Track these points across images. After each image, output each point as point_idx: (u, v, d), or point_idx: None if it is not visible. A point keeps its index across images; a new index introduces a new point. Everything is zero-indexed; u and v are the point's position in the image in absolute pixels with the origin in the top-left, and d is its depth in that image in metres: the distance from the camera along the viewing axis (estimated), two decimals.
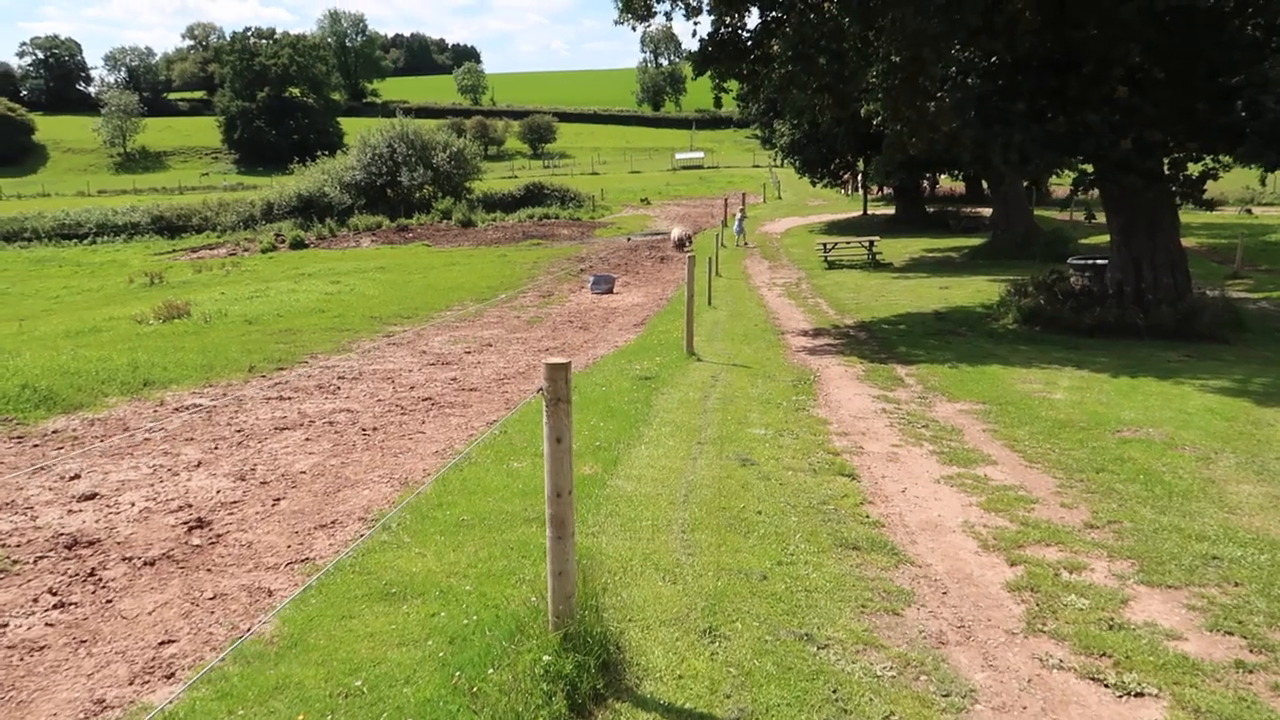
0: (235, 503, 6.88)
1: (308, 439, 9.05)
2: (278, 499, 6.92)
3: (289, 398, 11.54)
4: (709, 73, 16.88)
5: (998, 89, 14.71)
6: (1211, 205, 15.35)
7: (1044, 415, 9.06)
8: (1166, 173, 14.41)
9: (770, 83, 16.02)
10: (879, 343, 15.31)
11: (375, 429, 9.53)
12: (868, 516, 6.01)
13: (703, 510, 5.92)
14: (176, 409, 10.66)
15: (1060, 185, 52.36)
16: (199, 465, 7.99)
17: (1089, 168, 16.22)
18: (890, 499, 6.45)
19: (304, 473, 7.70)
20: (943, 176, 49.32)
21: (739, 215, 36.97)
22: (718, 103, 16.92)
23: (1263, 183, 43.12)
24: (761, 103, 32.67)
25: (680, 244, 34.08)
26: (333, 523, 6.28)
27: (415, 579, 4.83)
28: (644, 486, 6.44)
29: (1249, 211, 42.13)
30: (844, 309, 19.89)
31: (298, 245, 44.96)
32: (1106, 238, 33.89)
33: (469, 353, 16.31)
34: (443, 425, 9.69)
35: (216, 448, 8.68)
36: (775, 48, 14.55)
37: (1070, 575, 5.06)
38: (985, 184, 36.53)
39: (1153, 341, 15.21)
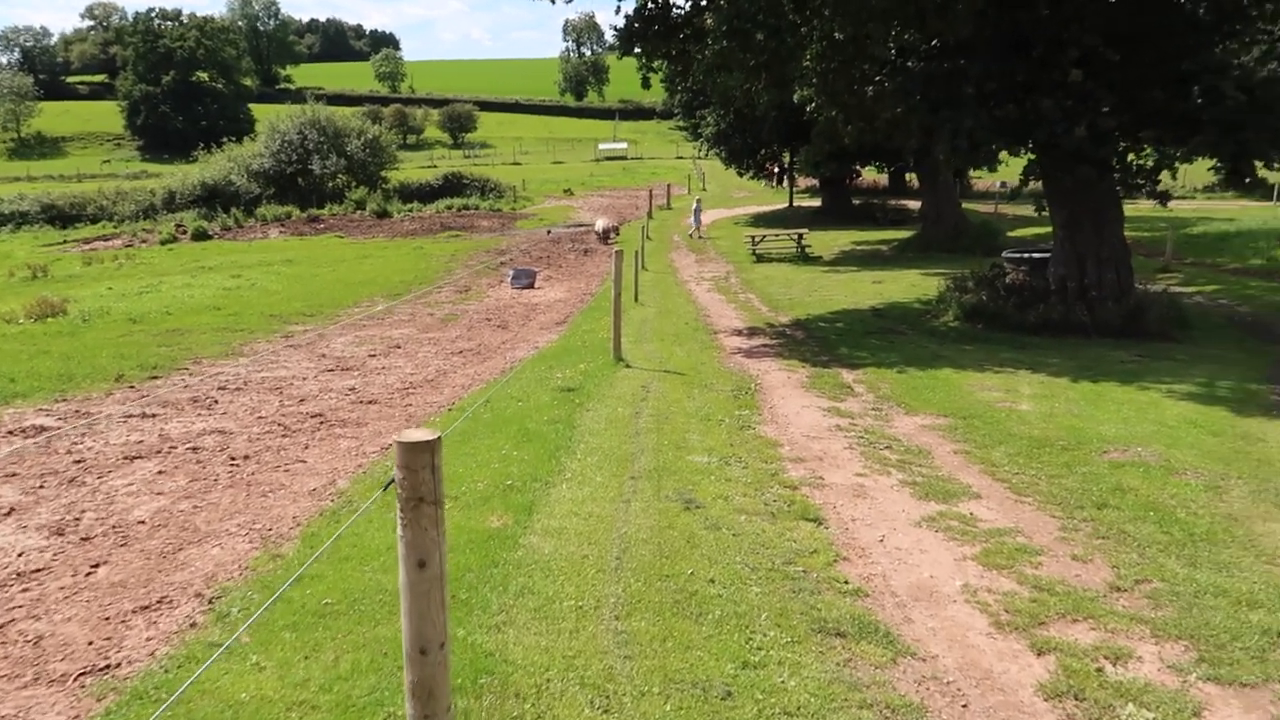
0: (39, 571, 5.36)
1: (160, 472, 7.50)
2: (97, 564, 5.42)
3: (154, 415, 9.90)
4: (636, 54, 15.60)
5: (944, 72, 13.74)
6: (1166, 198, 14.65)
7: (1017, 431, 8.04)
8: (1118, 164, 13.59)
9: (701, 63, 14.79)
10: (818, 343, 14.26)
11: (247, 457, 8.01)
12: (846, 582, 4.81)
13: (641, 580, 4.65)
14: (11, 432, 8.96)
15: (980, 179, 52.65)
16: (8, 513, 6.41)
17: (1033, 156, 15.42)
18: (868, 552, 5.28)
19: (142, 522, 6.19)
20: (866, 169, 49.02)
21: (696, 205, 35.87)
22: (645, 84, 15.64)
23: (1221, 178, 43.38)
24: (689, 90, 31.47)
25: (605, 236, 32.81)
26: (160, 601, 4.83)
27: (242, 713, 3.45)
28: (566, 545, 5.14)
29: (1162, 204, 42.57)
30: (777, 305, 18.84)
31: (200, 236, 42.28)
32: (1033, 230, 33.93)
33: (374, 356, 14.75)
34: (329, 450, 8.22)
35: (41, 486, 7.08)
36: (709, 22, 13.33)
37: (1116, 669, 3.94)
38: (916, 176, 36.05)
39: (1100, 340, 14.53)
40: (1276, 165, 14.00)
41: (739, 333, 15.40)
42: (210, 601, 4.76)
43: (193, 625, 4.46)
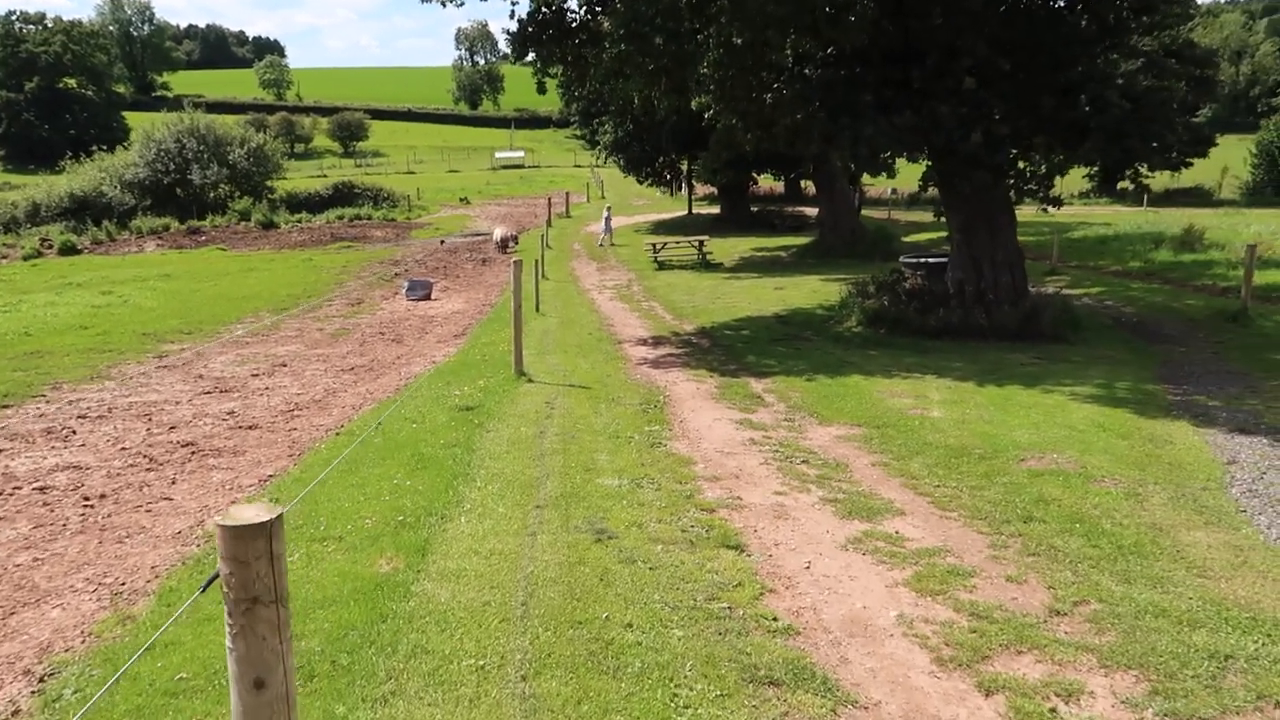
0: None
1: (0, 518, 6.62)
2: None
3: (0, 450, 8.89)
4: (530, 61, 15.08)
5: (841, 79, 13.66)
6: (1058, 203, 14.89)
7: (932, 440, 7.83)
8: (1012, 169, 13.72)
9: (599, 68, 14.37)
10: (725, 351, 13.99)
11: (104, 496, 7.17)
12: (775, 619, 4.41)
13: (550, 629, 4.15)
14: None
15: (873, 185, 53.82)
16: None
17: (929, 163, 15.52)
18: (795, 582, 4.89)
19: None
20: (763, 176, 49.50)
21: (606, 213, 35.32)
22: (540, 89, 15.15)
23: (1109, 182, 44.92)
24: (585, 98, 31.06)
25: (504, 245, 32.13)
26: None
27: None
28: (465, 590, 4.60)
29: (1045, 210, 44.24)
30: (681, 313, 18.55)
31: (68, 251, 39.73)
32: (927, 236, 34.68)
33: (256, 376, 13.82)
34: (200, 485, 7.44)
35: None
36: (605, 26, 12.92)
37: (1069, 708, 3.64)
38: (813, 184, 36.42)
39: (998, 343, 14.69)
40: (1145, 174, 14.44)
41: (644, 342, 15.03)
42: (41, 681, 4.04)
43: (15, 714, 3.75)
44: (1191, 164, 43.21)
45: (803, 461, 7.22)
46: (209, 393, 12.34)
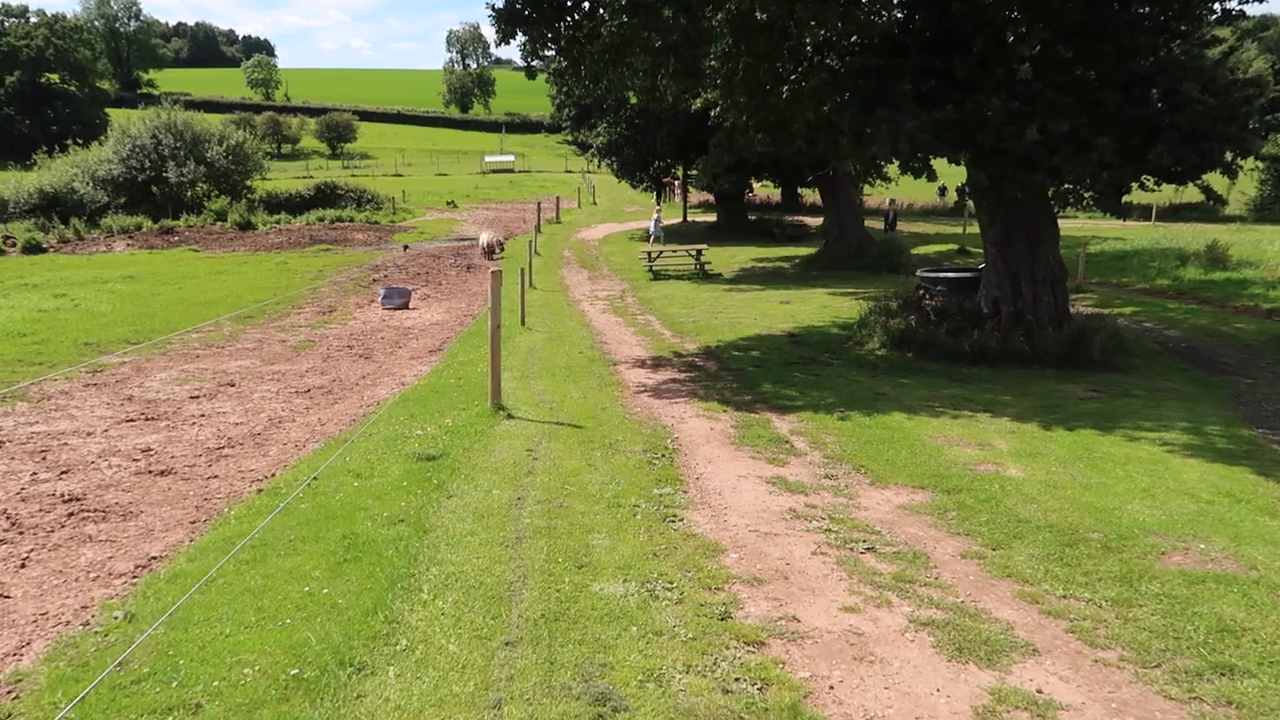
0: None
1: None
2: None
3: None
4: (520, 44, 13.25)
5: (876, 68, 11.89)
6: (1126, 213, 13.13)
7: (1026, 515, 6.04)
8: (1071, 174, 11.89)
9: (592, 55, 12.54)
10: (736, 378, 12.20)
11: None
12: None
13: None
14: None
15: (871, 196, 52.20)
16: None
17: (961, 164, 13.76)
18: None
19: None
20: (760, 184, 47.91)
21: (656, 214, 34.18)
22: (530, 74, 13.29)
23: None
24: (578, 92, 29.07)
25: (489, 251, 30.38)
26: None
27: None
28: None
29: (1121, 219, 42.58)
30: (681, 329, 16.75)
31: (33, 249, 37.66)
32: (934, 248, 33.00)
33: (196, 398, 11.95)
34: (56, 571, 5.57)
35: None
36: None
37: None
38: (819, 191, 34.75)
39: (1041, 370, 13.02)
40: (1151, 188, 12.78)
41: (642, 364, 13.22)
42: None
43: None
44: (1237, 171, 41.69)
45: (867, 548, 5.40)
46: (131, 421, 10.46)
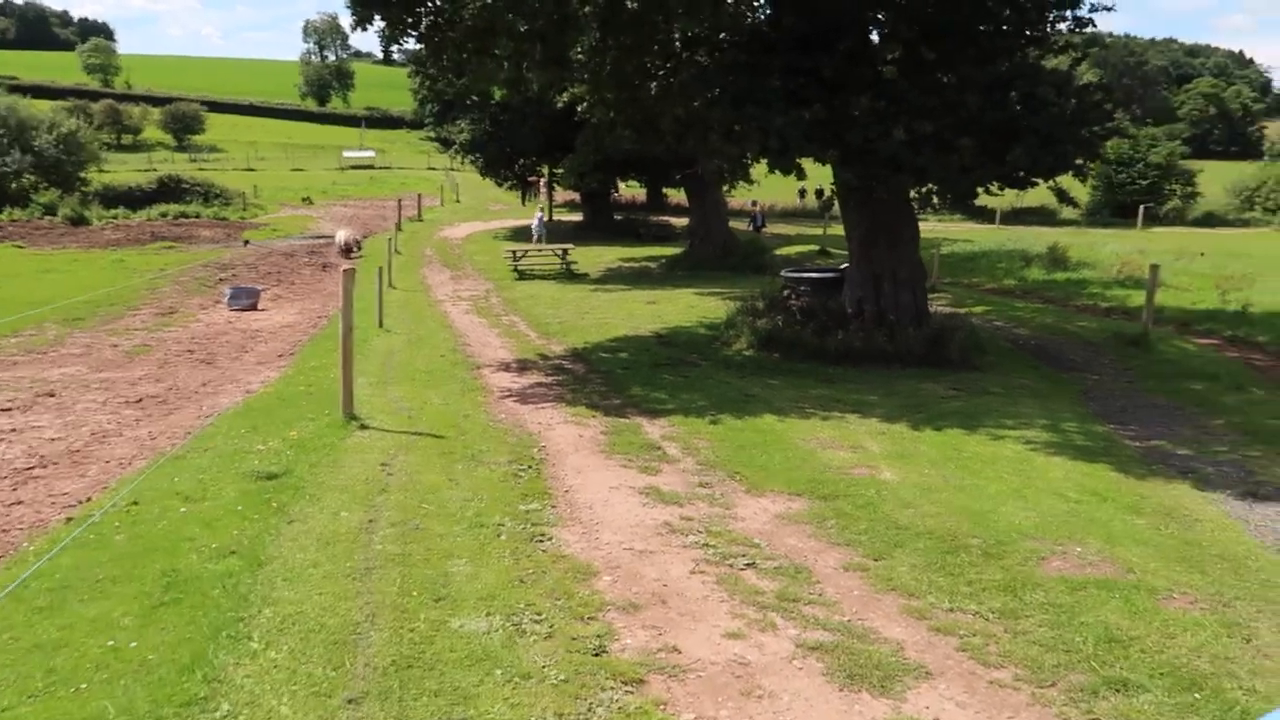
0: None
1: None
2: None
3: None
4: (377, 29, 12.50)
5: (746, 65, 11.76)
6: (992, 215, 13.41)
7: (905, 521, 5.90)
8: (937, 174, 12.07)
9: (454, 43, 11.93)
10: (605, 380, 11.87)
11: None
12: None
13: None
14: None
15: (734, 197, 52.95)
16: None
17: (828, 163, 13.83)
18: None
19: None
20: (625, 183, 47.85)
21: (539, 214, 33.13)
22: (388, 58, 12.59)
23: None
24: (441, 83, 27.97)
25: (347, 249, 29.18)
26: None
27: None
28: None
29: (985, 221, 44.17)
30: (547, 330, 16.31)
31: None
32: (796, 249, 33.61)
33: (7, 411, 10.77)
34: None
35: None
36: None
37: None
38: (685, 192, 34.87)
39: (903, 369, 13.22)
40: (995, 192, 13.31)
41: (507, 367, 12.73)
42: None
43: None
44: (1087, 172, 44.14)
45: (747, 564, 5.12)
46: None
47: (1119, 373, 13.72)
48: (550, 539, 5.47)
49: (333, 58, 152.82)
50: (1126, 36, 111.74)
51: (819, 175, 16.06)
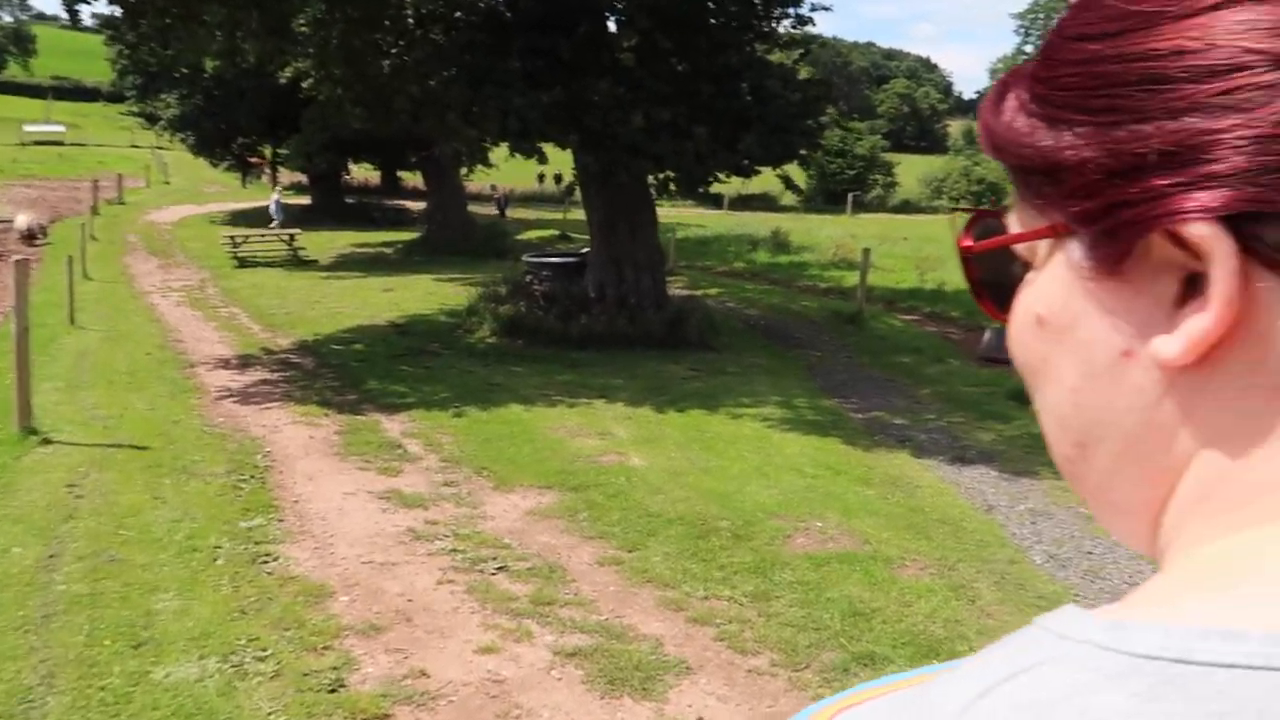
0: None
1: None
2: None
3: None
4: None
5: (483, 44, 11.39)
6: (720, 201, 13.84)
7: (655, 509, 5.86)
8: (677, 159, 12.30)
9: (156, 7, 10.63)
10: (338, 374, 11.14)
11: None
12: None
13: None
14: None
15: (473, 181, 52.17)
16: None
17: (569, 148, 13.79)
18: None
19: None
20: (358, 166, 45.78)
21: (276, 197, 29.88)
22: (75, 22, 11.01)
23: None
24: (145, 46, 25.13)
25: (30, 236, 25.65)
26: None
27: None
28: None
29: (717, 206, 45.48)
30: (273, 322, 15.15)
31: None
32: (536, 234, 33.54)
33: None
34: None
35: None
36: None
37: None
38: (422, 175, 33.78)
39: (645, 352, 13.45)
40: (723, 179, 14.10)
41: (226, 364, 11.61)
42: None
43: None
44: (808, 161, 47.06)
45: (499, 568, 4.83)
46: None
47: (839, 348, 14.68)
48: (277, 559, 4.90)
49: (9, 19, 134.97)
50: (835, 39, 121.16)
51: (559, 160, 15.97)
